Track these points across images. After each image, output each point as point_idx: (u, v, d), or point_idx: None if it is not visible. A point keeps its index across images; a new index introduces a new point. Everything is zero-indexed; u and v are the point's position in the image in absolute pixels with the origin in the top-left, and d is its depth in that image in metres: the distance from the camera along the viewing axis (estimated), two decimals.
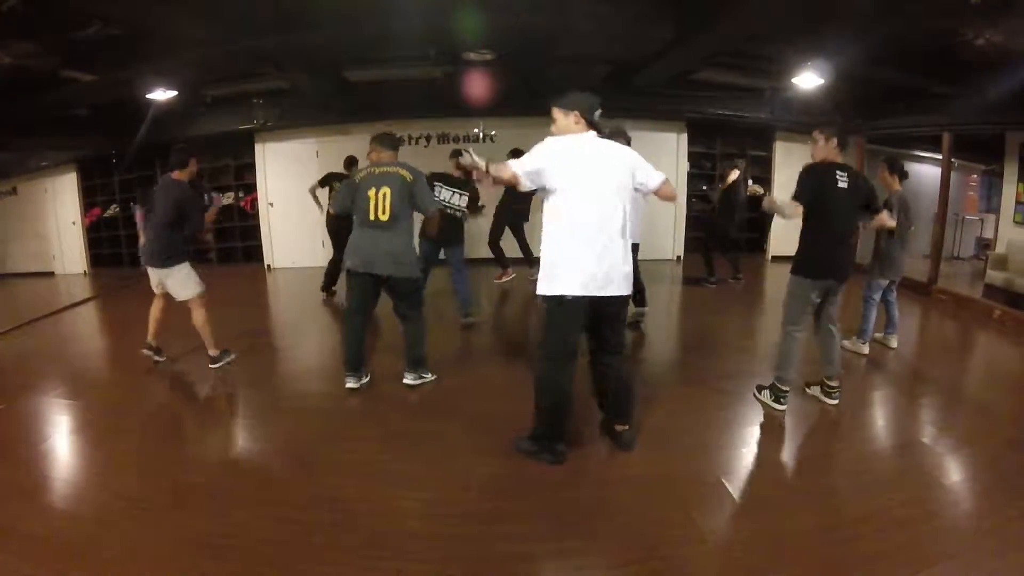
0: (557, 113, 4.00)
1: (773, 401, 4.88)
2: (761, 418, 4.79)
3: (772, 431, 4.55)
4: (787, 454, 4.23)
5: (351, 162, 9.36)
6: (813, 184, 4.64)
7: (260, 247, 13.63)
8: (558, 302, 3.77)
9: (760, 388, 5.08)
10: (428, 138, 12.37)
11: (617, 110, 11.61)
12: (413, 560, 3.13)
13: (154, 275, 6.24)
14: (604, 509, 3.57)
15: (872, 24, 6.62)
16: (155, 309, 6.44)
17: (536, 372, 4.02)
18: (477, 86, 10.55)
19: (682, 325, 8.39)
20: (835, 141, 4.72)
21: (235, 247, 14.23)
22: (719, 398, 5.19)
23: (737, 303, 9.29)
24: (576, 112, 3.93)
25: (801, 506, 3.51)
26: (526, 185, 3.83)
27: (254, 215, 13.55)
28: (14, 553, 3.28)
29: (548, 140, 3.93)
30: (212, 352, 6.30)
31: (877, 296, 6.25)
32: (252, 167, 13.27)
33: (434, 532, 3.36)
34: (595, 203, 3.74)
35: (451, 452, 4.41)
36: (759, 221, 12.94)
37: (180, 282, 6.11)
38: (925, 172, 11.75)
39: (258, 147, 12.95)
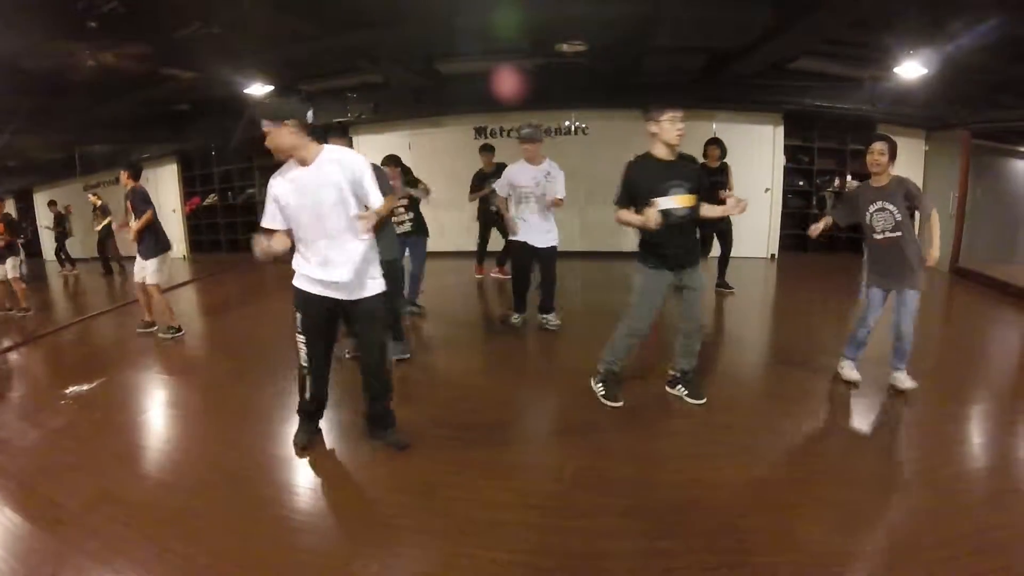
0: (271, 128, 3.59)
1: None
2: (859, 426, 4.62)
3: (869, 442, 4.34)
4: (884, 465, 4.03)
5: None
6: None
7: None
8: None
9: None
10: (519, 131, 12.35)
11: (711, 101, 11.52)
12: (504, 550, 3.09)
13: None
14: (698, 510, 3.46)
15: (994, 9, 6.33)
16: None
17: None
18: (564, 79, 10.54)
19: (775, 327, 8.17)
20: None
21: None
22: (817, 403, 5.02)
23: (833, 304, 9.02)
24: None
25: (898, 522, 3.35)
26: None
27: None
28: (110, 517, 3.40)
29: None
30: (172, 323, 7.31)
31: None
32: None
33: (527, 523, 3.32)
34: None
35: (542, 444, 4.39)
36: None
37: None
38: None
39: (353, 140, 13.19)
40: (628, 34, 8.49)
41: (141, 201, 7.01)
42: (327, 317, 3.89)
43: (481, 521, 3.35)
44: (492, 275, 10.18)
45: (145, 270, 7.12)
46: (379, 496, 3.66)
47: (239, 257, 14.59)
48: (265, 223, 3.79)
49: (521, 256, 6.88)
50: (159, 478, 3.94)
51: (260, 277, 12.58)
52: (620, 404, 4.78)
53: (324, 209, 3.61)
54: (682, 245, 4.51)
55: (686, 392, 4.85)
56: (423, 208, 7.47)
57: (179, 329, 7.28)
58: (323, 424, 4.47)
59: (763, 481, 3.77)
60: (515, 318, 7.15)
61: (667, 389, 4.97)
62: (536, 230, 6.67)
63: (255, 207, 15.03)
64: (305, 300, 3.84)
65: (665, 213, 4.29)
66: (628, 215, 4.38)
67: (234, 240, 15.52)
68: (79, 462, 4.11)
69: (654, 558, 3.02)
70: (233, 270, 13.13)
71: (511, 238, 6.83)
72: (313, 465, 4.10)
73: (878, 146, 4.94)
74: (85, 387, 5.55)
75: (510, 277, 9.20)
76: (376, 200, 3.71)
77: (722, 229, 8.84)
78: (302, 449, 4.14)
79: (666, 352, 5.18)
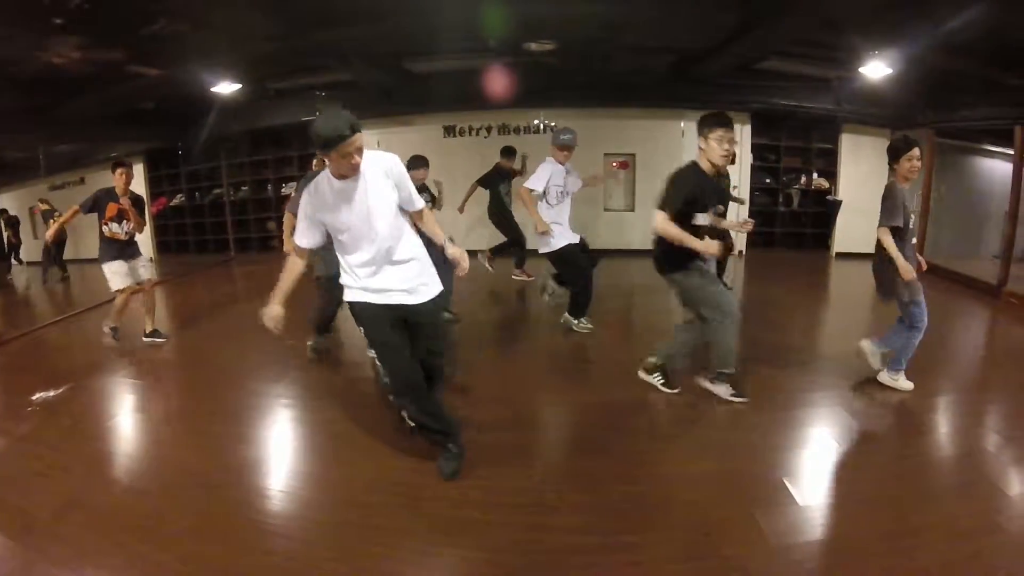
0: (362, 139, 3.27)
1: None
2: (825, 419, 4.67)
3: (836, 433, 4.40)
4: (851, 457, 4.09)
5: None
6: None
7: None
8: None
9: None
10: (488, 129, 12.38)
11: (678, 101, 11.60)
12: (472, 547, 3.13)
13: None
14: (665, 505, 3.52)
15: (956, 11, 6.43)
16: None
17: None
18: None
19: (745, 324, 8.22)
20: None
21: None
22: (783, 397, 5.06)
23: (802, 300, 9.12)
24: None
25: (864, 512, 3.39)
26: None
27: None
28: (80, 525, 3.38)
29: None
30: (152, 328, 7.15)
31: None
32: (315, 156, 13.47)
33: (497, 521, 3.35)
34: None
35: (513, 442, 4.41)
36: (824, 216, 12.63)
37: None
38: (996, 168, 11.39)
39: None
40: (596, 34, 8.53)
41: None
42: (396, 324, 3.69)
43: (451, 520, 3.37)
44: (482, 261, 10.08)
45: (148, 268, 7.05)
46: (350, 497, 3.66)
47: (207, 258, 14.50)
48: (300, 240, 3.63)
49: (579, 257, 6.68)
50: (129, 484, 3.91)
51: (229, 278, 12.51)
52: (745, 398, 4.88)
53: (376, 217, 3.48)
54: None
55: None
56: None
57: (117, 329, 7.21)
58: (297, 425, 4.49)
59: (732, 475, 3.83)
60: (582, 324, 6.90)
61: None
62: (571, 228, 6.64)
63: (223, 207, 14.94)
64: (367, 313, 3.69)
65: (697, 227, 4.42)
66: (684, 235, 4.35)
67: (202, 241, 15.40)
68: (47, 469, 4.06)
69: (621, 552, 3.07)
70: (201, 271, 13.03)
71: (557, 247, 6.54)
72: (285, 468, 4.13)
73: (918, 151, 4.77)
74: (52, 393, 5.48)
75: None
76: (419, 203, 3.69)
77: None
78: (451, 475, 3.81)
79: (641, 349, 5.23)
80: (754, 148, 12.38)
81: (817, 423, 4.63)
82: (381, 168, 3.48)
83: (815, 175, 12.75)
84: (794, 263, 11.98)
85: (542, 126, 12.25)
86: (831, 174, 12.56)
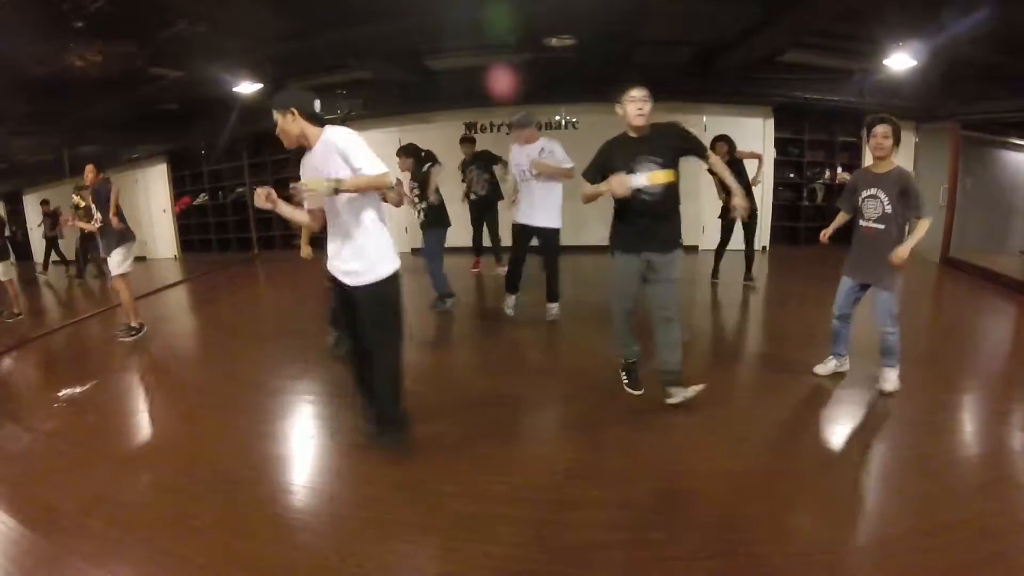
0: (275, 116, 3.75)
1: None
2: (852, 416, 4.61)
3: (863, 431, 4.35)
4: (878, 454, 4.04)
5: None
6: None
7: None
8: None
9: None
10: (510, 125, 12.35)
11: (700, 94, 11.52)
12: (498, 543, 3.10)
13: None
14: (691, 501, 3.49)
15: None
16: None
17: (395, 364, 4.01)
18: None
19: (767, 318, 8.20)
20: None
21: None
22: (811, 393, 5.02)
23: (826, 296, 9.03)
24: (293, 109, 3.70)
25: (891, 510, 3.36)
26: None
27: None
28: (104, 519, 3.40)
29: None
30: (133, 323, 7.23)
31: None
32: None
33: (520, 516, 3.33)
34: None
35: (535, 437, 4.39)
36: None
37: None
38: None
39: None
40: (616, 28, 8.49)
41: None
42: (339, 295, 3.95)
43: (475, 515, 3.35)
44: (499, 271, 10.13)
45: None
46: (374, 493, 3.66)
47: (230, 256, 14.59)
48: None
49: (516, 237, 6.95)
50: (154, 479, 3.93)
51: (251, 276, 12.57)
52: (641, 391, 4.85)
53: None
54: (648, 226, 4.35)
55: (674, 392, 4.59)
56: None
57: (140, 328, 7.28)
58: (317, 422, 4.50)
59: (757, 472, 3.79)
60: (507, 302, 7.23)
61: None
62: (530, 210, 6.79)
63: (245, 206, 15.01)
64: (327, 275, 3.97)
65: (636, 191, 4.22)
66: (591, 187, 4.45)
67: (225, 239, 15.49)
68: (73, 465, 4.10)
69: (647, 549, 3.04)
70: (224, 270, 13.10)
71: (513, 221, 6.96)
72: (308, 464, 4.14)
73: (881, 129, 4.45)
74: (78, 389, 5.53)
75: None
76: (366, 168, 3.60)
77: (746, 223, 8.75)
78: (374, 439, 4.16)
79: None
80: (777, 142, 12.23)
81: (843, 420, 4.58)
82: (330, 142, 3.68)
83: (839, 169, 12.62)
84: (818, 259, 11.85)
85: (564, 121, 12.23)
86: (856, 168, 12.43)
